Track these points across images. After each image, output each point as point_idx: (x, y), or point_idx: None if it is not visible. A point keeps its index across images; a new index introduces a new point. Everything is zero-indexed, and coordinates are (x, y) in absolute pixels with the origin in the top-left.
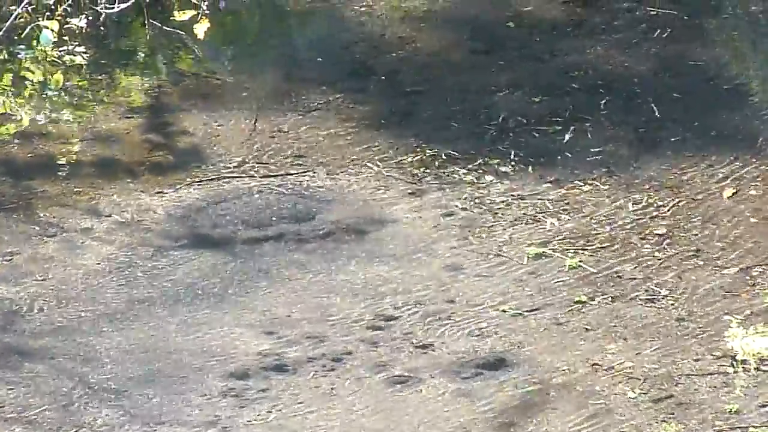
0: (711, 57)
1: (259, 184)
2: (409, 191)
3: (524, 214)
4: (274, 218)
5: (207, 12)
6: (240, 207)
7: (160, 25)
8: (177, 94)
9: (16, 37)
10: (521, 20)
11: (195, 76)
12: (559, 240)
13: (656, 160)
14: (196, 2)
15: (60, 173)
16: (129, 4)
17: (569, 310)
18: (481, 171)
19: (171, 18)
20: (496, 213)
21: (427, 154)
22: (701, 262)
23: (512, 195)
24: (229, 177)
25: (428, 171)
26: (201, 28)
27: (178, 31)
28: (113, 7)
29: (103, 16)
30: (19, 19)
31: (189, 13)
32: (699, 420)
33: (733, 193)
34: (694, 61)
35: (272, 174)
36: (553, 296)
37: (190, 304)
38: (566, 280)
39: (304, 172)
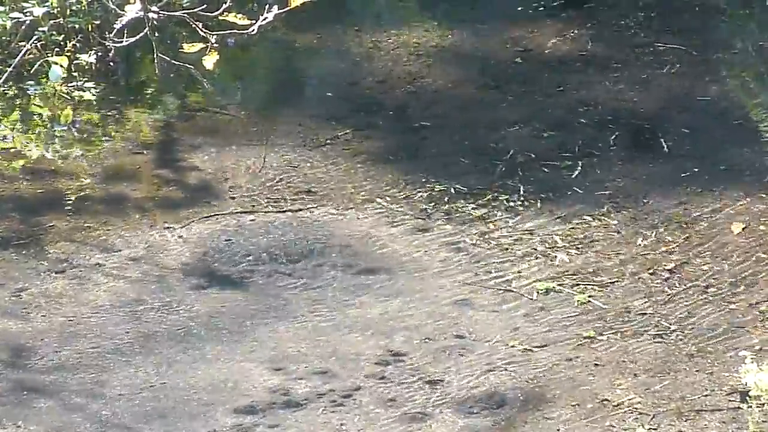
0: (720, 92)
1: (269, 220)
2: (418, 227)
3: (533, 249)
4: (282, 254)
5: (216, 45)
6: (249, 242)
7: (168, 59)
8: (187, 130)
9: (25, 73)
10: (530, 56)
11: (204, 111)
12: (569, 275)
13: (665, 196)
14: (205, 35)
15: (69, 209)
16: (137, 38)
17: (579, 346)
18: (490, 206)
19: (180, 51)
20: (506, 248)
21: (436, 190)
22: (711, 298)
23: (521, 230)
24: (238, 212)
25: (437, 206)
26: (210, 61)
27: (187, 64)
28: (122, 41)
29: (112, 51)
30: (29, 55)
31: (198, 46)
32: None
33: (743, 229)
34: (703, 96)
35: (281, 209)
36: (563, 332)
37: (199, 340)
38: (576, 315)
39: (314, 207)
